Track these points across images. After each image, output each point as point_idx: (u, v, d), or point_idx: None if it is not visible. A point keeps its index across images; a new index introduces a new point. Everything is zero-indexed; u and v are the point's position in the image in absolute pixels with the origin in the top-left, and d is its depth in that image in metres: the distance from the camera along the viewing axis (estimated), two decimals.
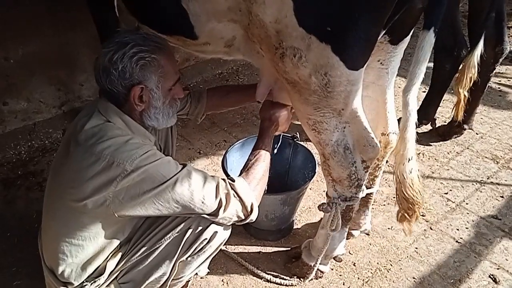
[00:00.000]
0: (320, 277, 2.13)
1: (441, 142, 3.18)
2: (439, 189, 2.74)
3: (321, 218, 2.02)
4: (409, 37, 1.67)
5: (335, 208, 1.81)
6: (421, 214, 2.52)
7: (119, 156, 1.39)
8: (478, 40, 2.46)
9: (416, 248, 2.31)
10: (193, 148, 3.13)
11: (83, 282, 1.57)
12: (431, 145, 3.16)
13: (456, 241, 2.35)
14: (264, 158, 1.72)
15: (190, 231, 1.56)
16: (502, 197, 2.67)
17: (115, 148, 1.41)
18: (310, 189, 2.66)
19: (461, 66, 2.66)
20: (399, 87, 1.53)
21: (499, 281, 2.12)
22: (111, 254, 1.59)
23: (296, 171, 2.45)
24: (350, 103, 1.50)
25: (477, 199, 2.66)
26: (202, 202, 1.47)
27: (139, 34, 1.52)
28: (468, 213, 2.54)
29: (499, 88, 3.92)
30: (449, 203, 2.62)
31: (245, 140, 2.40)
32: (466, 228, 2.44)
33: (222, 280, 2.12)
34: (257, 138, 1.82)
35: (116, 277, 1.61)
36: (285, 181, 2.47)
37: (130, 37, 1.49)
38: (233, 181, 1.57)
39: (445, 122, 3.31)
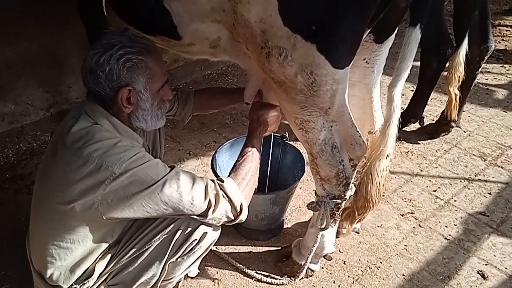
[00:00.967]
0: (311, 276, 2.13)
1: (429, 140, 3.21)
2: (427, 186, 2.76)
3: (311, 217, 2.03)
4: (394, 35, 1.68)
5: (324, 207, 1.82)
6: (410, 211, 2.54)
7: (107, 159, 1.39)
8: (463, 39, 2.49)
9: (406, 245, 2.33)
10: (183, 149, 3.13)
11: (72, 284, 1.56)
12: (419, 143, 3.18)
13: (445, 238, 2.37)
14: (253, 159, 1.72)
15: (179, 232, 1.56)
16: (489, 194, 2.69)
17: (104, 151, 1.41)
18: (300, 188, 2.67)
19: (447, 65, 2.69)
20: (386, 86, 1.55)
21: (487, 277, 2.14)
22: (100, 256, 1.58)
23: (285, 171, 2.46)
24: (336, 102, 1.51)
25: (465, 196, 2.68)
26: (191, 203, 1.47)
27: (126, 36, 1.52)
28: (456, 210, 2.57)
29: (486, 86, 3.96)
30: (437, 200, 2.65)
31: (234, 140, 2.41)
32: (455, 225, 2.46)
33: (213, 281, 2.12)
34: (246, 139, 1.82)
35: (105, 279, 1.60)
36: (275, 180, 2.48)
37: (117, 38, 1.49)
38: (222, 181, 1.57)
39: (433, 120, 3.34)
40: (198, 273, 2.11)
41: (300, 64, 1.37)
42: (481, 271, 2.18)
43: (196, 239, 1.59)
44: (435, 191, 2.73)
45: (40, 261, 1.57)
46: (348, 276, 2.16)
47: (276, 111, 1.86)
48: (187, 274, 1.98)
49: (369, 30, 1.49)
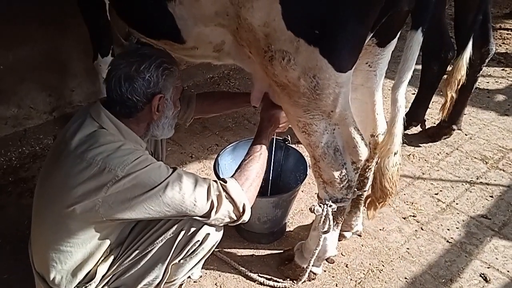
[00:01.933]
0: (313, 279, 2.13)
1: (430, 144, 3.21)
2: (429, 189, 2.77)
3: (313, 220, 2.03)
4: (396, 39, 1.69)
5: (326, 210, 1.83)
6: (412, 214, 2.54)
7: (111, 162, 1.40)
8: (466, 42, 2.49)
9: (408, 248, 2.33)
10: (185, 152, 3.14)
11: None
12: (421, 147, 3.19)
13: (447, 241, 2.37)
14: (259, 159, 1.72)
15: (182, 233, 1.56)
16: (491, 196, 2.70)
17: (107, 154, 1.42)
18: (302, 191, 2.68)
19: (450, 68, 2.69)
20: (388, 89, 1.55)
21: (489, 280, 2.14)
22: (102, 259, 1.59)
23: (287, 174, 2.46)
24: (339, 105, 1.52)
25: (467, 199, 2.69)
26: (194, 205, 1.48)
27: (154, 48, 1.62)
28: (458, 213, 2.57)
29: (487, 89, 3.96)
30: (439, 203, 2.65)
31: (236, 143, 2.41)
32: (457, 228, 2.46)
33: (215, 284, 2.12)
34: (255, 137, 1.83)
35: (108, 281, 1.60)
36: (278, 183, 2.48)
37: (150, 50, 1.57)
38: (225, 182, 1.58)
39: (434, 123, 3.34)
40: (201, 275, 2.11)
41: (303, 67, 1.38)
42: (483, 274, 2.17)
43: (198, 241, 1.59)
44: (437, 194, 2.73)
45: (42, 265, 1.57)
46: (351, 279, 2.16)
47: None
48: (189, 276, 1.99)
49: (372, 34, 1.50)
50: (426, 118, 3.30)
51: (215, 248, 1.72)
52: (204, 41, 1.57)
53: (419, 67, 2.98)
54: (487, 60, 2.89)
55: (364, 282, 2.14)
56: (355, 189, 1.89)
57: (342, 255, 2.29)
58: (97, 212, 1.41)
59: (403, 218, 2.53)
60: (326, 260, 2.16)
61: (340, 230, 2.07)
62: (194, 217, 1.53)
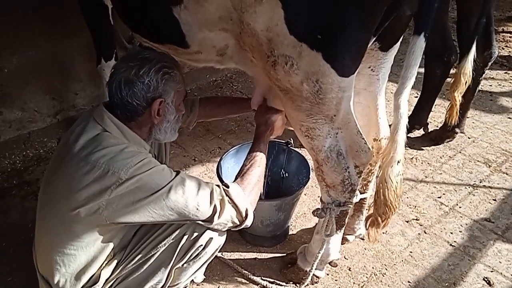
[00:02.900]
0: (316, 282, 2.13)
1: (433, 147, 3.21)
2: (432, 193, 2.76)
3: (316, 224, 2.03)
4: (398, 43, 1.69)
5: (329, 213, 1.83)
6: (415, 218, 2.54)
7: (114, 165, 1.41)
8: (470, 46, 2.49)
9: (411, 252, 2.32)
10: (188, 155, 3.14)
11: None
12: (423, 150, 3.18)
13: (450, 245, 2.37)
14: (260, 163, 1.73)
15: (185, 237, 1.57)
16: (494, 200, 2.69)
17: (111, 156, 1.42)
18: (305, 194, 2.68)
19: (454, 71, 2.69)
20: (391, 93, 1.55)
21: (493, 283, 2.14)
22: (105, 263, 1.59)
23: (290, 177, 2.46)
24: (342, 109, 1.52)
25: (470, 202, 2.68)
26: (197, 209, 1.48)
27: (156, 52, 1.61)
28: (461, 217, 2.56)
29: (490, 92, 3.96)
30: (442, 207, 2.65)
31: (239, 146, 2.42)
32: (460, 231, 2.46)
33: (218, 287, 2.12)
34: (253, 143, 1.83)
35: (111, 285, 1.60)
36: (280, 187, 2.49)
37: (152, 54, 1.57)
38: (228, 186, 1.58)
39: (437, 126, 3.34)
40: (204, 279, 2.12)
41: (305, 72, 1.39)
42: (486, 277, 2.17)
43: (202, 245, 1.60)
44: (440, 197, 2.72)
45: (46, 268, 1.58)
46: (354, 283, 2.16)
47: (282, 115, 1.88)
48: (192, 280, 1.99)
49: (374, 38, 1.50)
50: (429, 121, 3.30)
51: (218, 252, 1.72)
52: (208, 45, 1.58)
53: (422, 70, 2.98)
54: (490, 63, 2.89)
55: (367, 286, 2.14)
56: (358, 193, 1.89)
57: (345, 258, 2.28)
58: (101, 215, 1.41)
59: (406, 221, 2.52)
60: (329, 263, 2.16)
61: (343, 233, 2.07)
62: (197, 221, 1.54)
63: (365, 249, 2.35)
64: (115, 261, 1.61)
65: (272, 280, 2.15)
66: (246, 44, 1.47)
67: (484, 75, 2.96)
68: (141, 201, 1.41)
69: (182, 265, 1.63)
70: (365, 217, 1.89)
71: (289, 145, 2.42)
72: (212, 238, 1.60)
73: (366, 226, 1.88)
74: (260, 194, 1.72)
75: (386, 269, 2.23)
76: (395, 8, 1.41)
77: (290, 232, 2.47)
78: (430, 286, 2.13)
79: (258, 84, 1.77)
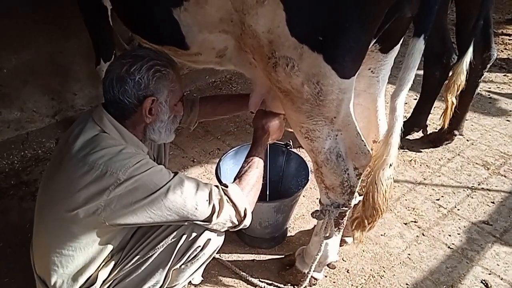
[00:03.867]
0: (314, 284, 2.13)
1: (432, 149, 3.21)
2: (430, 195, 2.76)
3: (315, 226, 2.03)
4: (399, 45, 1.69)
5: (328, 215, 1.83)
6: (413, 220, 2.54)
7: (112, 166, 1.41)
8: (467, 47, 2.50)
9: (409, 254, 2.32)
10: (187, 157, 3.14)
11: None
12: (422, 152, 3.19)
13: (448, 247, 2.37)
14: (257, 166, 1.73)
15: (183, 239, 1.57)
16: (493, 202, 2.69)
17: (109, 157, 1.42)
18: (304, 196, 2.68)
19: (450, 72, 2.69)
20: (390, 94, 1.55)
21: (491, 286, 2.14)
22: (103, 264, 1.59)
23: (289, 179, 2.46)
24: (342, 111, 1.52)
25: (468, 205, 2.68)
26: (195, 209, 1.48)
27: (151, 50, 1.59)
28: (459, 219, 2.57)
29: (489, 95, 3.97)
30: (440, 209, 2.65)
31: (238, 148, 2.42)
32: (458, 234, 2.46)
33: None
34: (251, 146, 1.84)
35: (108, 286, 1.60)
36: (279, 188, 2.48)
37: (145, 52, 1.55)
38: (226, 187, 1.59)
39: (436, 129, 3.34)
40: (202, 280, 2.11)
41: (306, 74, 1.39)
42: (484, 280, 2.17)
43: (199, 246, 1.59)
44: (438, 199, 2.73)
45: (43, 269, 1.57)
46: (352, 285, 2.15)
47: (280, 119, 1.88)
48: (190, 281, 1.99)
49: (374, 40, 1.50)
50: (427, 123, 3.30)
51: (216, 253, 1.72)
52: (207, 47, 1.58)
53: (421, 72, 2.98)
54: (488, 66, 2.89)
55: None
56: (357, 195, 1.89)
57: (343, 260, 2.28)
58: (100, 216, 1.41)
59: (404, 223, 2.52)
60: (327, 265, 2.16)
61: (342, 235, 2.07)
62: (196, 222, 1.53)
63: (363, 251, 2.35)
64: (113, 262, 1.60)
65: (270, 282, 2.14)
66: (247, 45, 1.47)
67: (482, 77, 2.96)
68: (140, 201, 1.41)
69: (180, 266, 1.63)
70: (352, 219, 1.87)
71: (288, 147, 2.42)
72: (210, 239, 1.60)
73: (352, 227, 1.87)
74: (263, 196, 1.73)
75: (384, 271, 2.23)
76: (396, 10, 1.41)
77: (289, 234, 2.46)
78: None
79: (256, 86, 1.77)
